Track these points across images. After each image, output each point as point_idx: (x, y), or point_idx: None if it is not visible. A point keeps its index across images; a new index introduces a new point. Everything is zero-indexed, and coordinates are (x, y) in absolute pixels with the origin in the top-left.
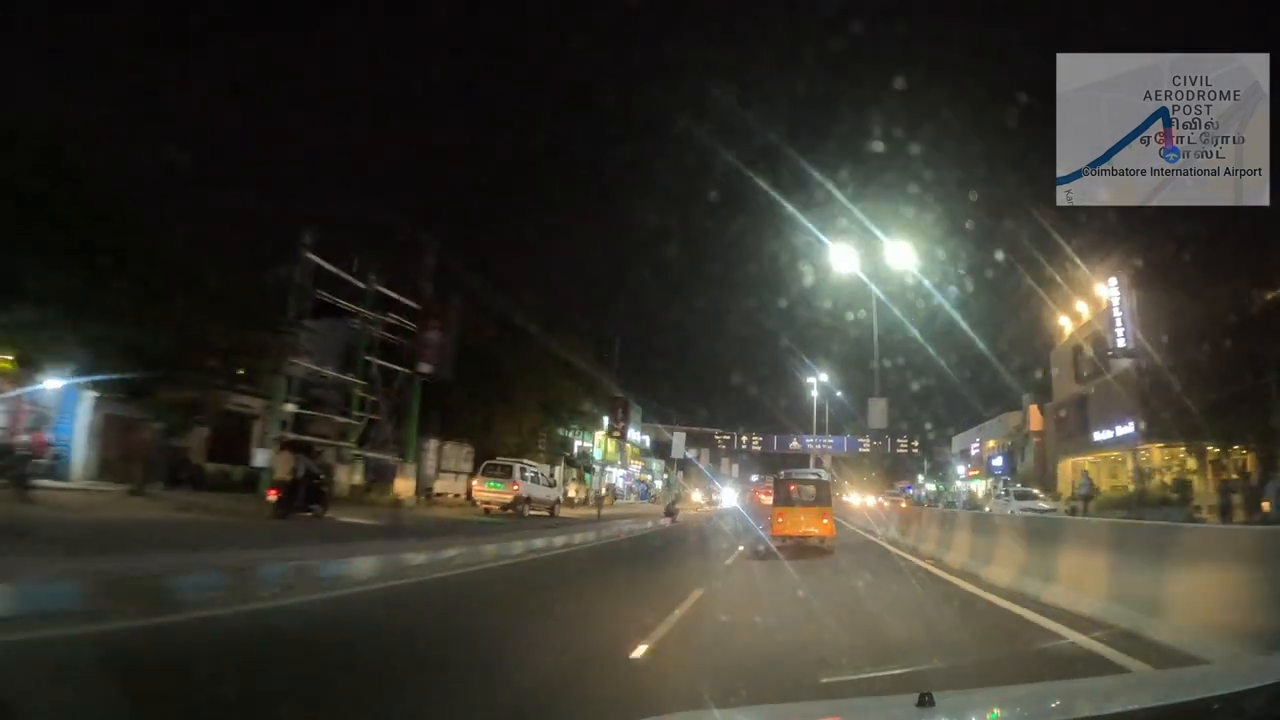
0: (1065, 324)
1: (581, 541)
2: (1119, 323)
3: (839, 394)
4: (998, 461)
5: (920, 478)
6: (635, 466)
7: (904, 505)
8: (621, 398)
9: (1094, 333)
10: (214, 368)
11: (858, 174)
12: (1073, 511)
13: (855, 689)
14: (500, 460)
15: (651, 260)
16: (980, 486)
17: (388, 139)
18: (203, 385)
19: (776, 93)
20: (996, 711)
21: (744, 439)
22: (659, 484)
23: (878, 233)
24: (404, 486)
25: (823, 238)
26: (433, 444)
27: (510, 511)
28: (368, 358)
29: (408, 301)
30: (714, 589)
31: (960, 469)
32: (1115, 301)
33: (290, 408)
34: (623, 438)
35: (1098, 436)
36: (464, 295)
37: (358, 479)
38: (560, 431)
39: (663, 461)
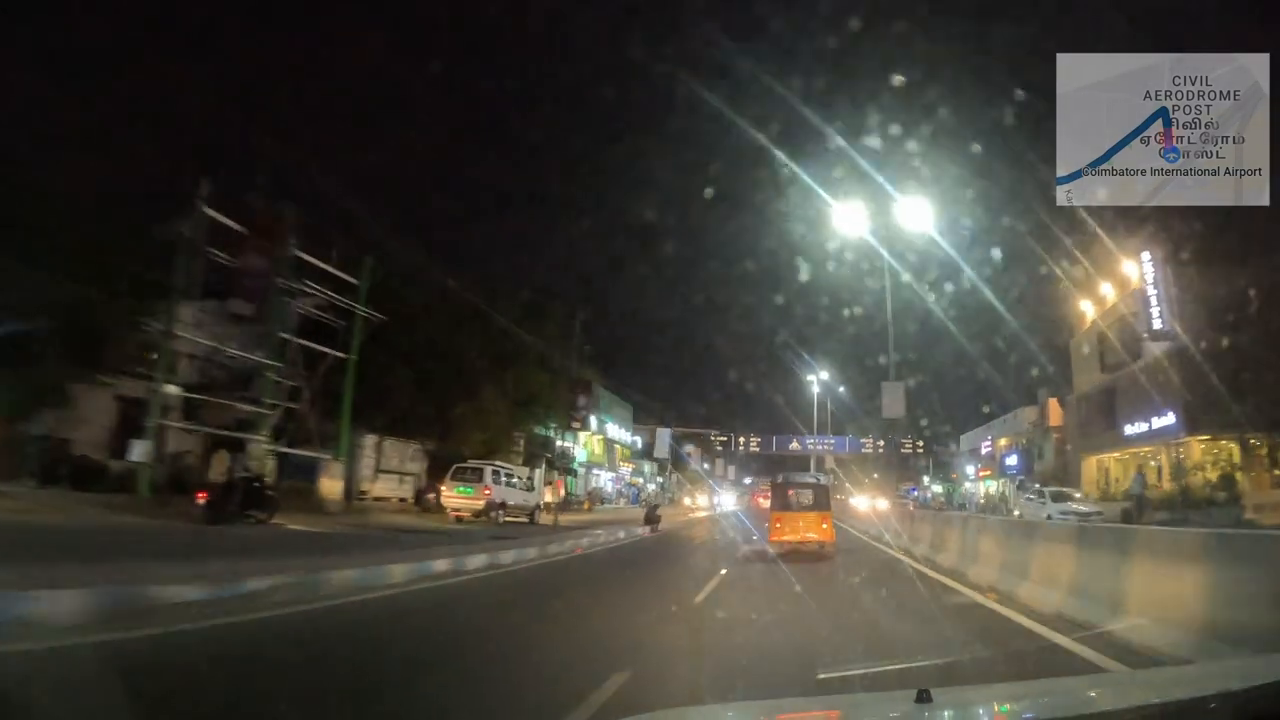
0: (1087, 309)
1: (514, 562)
2: (1153, 302)
3: (841, 389)
4: (1012, 460)
5: (926, 478)
6: (626, 469)
7: (911, 509)
8: (584, 380)
9: (1120, 317)
10: (66, 338)
11: (857, 168)
12: (1126, 515)
13: (852, 685)
14: (471, 463)
15: (648, 258)
16: (993, 487)
17: (383, 136)
18: (52, 358)
19: (782, 74)
20: (994, 708)
21: (741, 440)
22: (651, 487)
23: (890, 188)
24: (331, 488)
25: (828, 198)
26: (370, 440)
27: (483, 518)
28: (283, 334)
29: (338, 272)
30: (649, 671)
31: (970, 469)
32: (1149, 279)
33: (174, 389)
34: (584, 427)
35: (1129, 430)
36: (410, 275)
37: (269, 478)
38: (540, 431)
39: (656, 464)
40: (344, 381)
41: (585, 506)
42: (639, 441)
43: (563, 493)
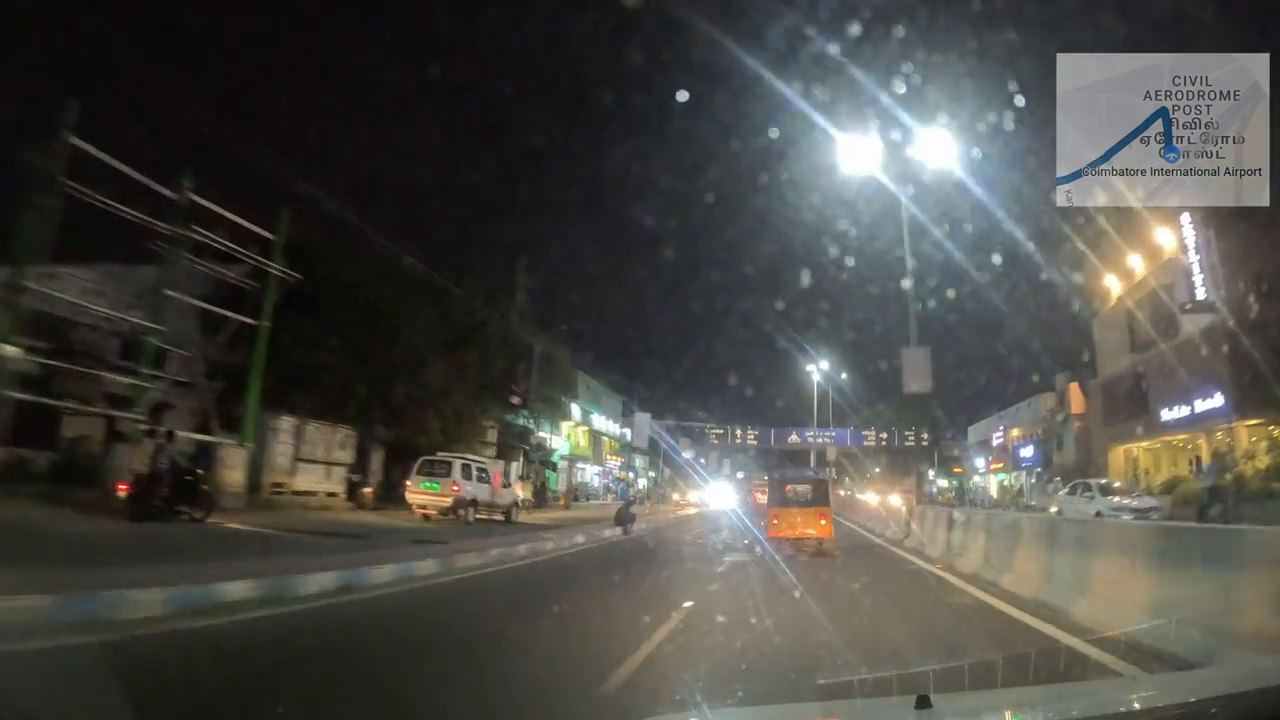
0: (1112, 286)
1: (389, 581)
2: (1195, 269)
3: (843, 375)
4: (1027, 452)
5: (931, 472)
6: (614, 463)
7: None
8: (525, 345)
9: (1152, 291)
10: None
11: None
12: (1200, 512)
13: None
14: (440, 456)
15: (648, 258)
16: (1006, 480)
17: (380, 138)
18: None
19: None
20: (995, 714)
21: (738, 433)
22: (643, 483)
23: (907, 119)
24: (233, 478)
25: (832, 129)
26: (286, 423)
27: (451, 517)
28: (169, 291)
29: (244, 221)
30: None
31: (979, 461)
32: (1190, 244)
33: (14, 351)
34: (523, 404)
35: (1166, 415)
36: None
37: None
38: (515, 420)
39: (647, 457)
40: (251, 352)
41: (561, 503)
42: (629, 434)
43: (503, 485)
